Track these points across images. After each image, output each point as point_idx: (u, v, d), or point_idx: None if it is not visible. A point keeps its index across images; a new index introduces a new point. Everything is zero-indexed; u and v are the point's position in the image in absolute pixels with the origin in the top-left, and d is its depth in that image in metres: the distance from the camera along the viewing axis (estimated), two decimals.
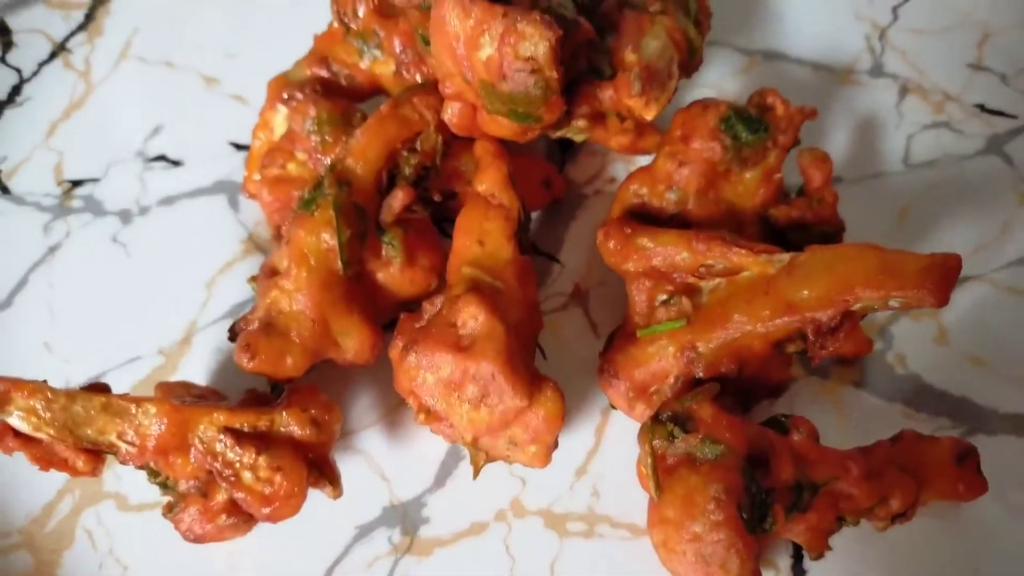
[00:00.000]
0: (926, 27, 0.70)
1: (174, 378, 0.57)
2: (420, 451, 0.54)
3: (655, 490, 0.47)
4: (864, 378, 0.57)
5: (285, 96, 0.59)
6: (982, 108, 0.67)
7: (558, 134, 0.56)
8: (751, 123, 0.55)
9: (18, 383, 0.44)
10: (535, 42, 0.46)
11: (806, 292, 0.48)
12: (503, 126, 0.53)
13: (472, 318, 0.48)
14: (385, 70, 0.59)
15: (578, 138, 0.57)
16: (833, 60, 0.68)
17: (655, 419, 0.48)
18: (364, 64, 0.59)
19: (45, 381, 0.46)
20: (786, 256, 0.50)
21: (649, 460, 0.48)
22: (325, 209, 0.51)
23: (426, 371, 0.48)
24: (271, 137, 0.60)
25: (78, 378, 0.57)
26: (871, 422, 0.56)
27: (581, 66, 0.53)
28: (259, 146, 0.60)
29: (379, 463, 0.55)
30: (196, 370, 0.57)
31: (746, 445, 0.47)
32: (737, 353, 0.51)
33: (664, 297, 0.53)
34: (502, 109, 0.50)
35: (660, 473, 0.47)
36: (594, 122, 0.56)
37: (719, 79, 0.68)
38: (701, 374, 0.51)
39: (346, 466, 0.54)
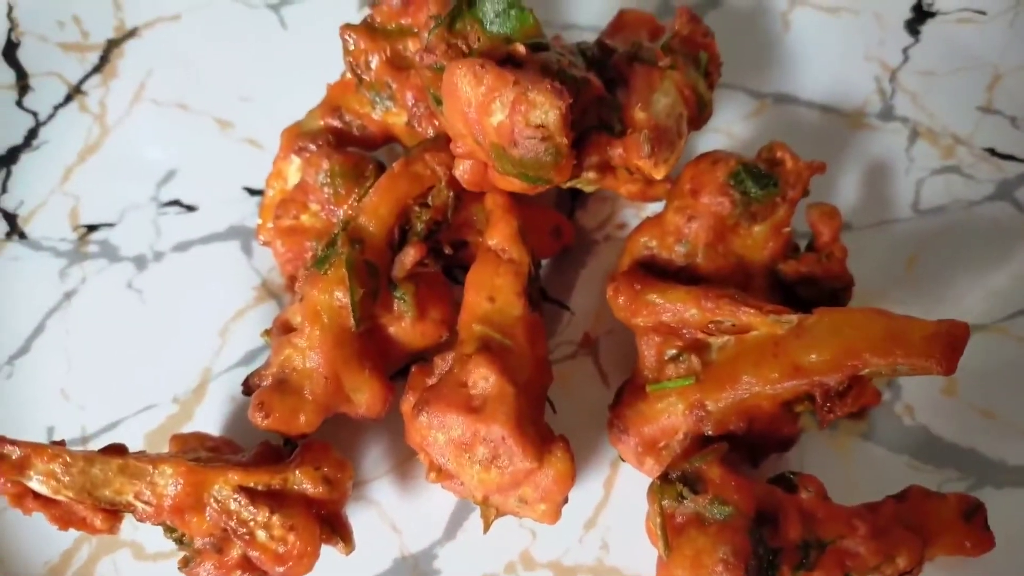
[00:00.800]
0: (936, 69, 0.70)
1: (189, 426, 0.58)
2: (431, 502, 0.55)
3: (664, 549, 0.48)
4: (872, 429, 0.58)
5: (298, 147, 0.59)
6: (992, 152, 0.67)
7: (568, 184, 0.57)
8: (760, 178, 0.56)
9: (38, 448, 0.45)
10: (545, 110, 0.47)
11: (814, 356, 0.48)
12: (513, 183, 0.53)
13: (483, 379, 0.49)
14: (397, 121, 0.60)
15: (588, 188, 0.57)
16: (843, 103, 0.69)
17: (664, 478, 0.49)
18: (376, 115, 0.60)
19: (63, 442, 0.47)
20: (794, 317, 0.50)
21: (659, 519, 0.48)
22: (338, 268, 0.52)
23: (437, 431, 0.49)
24: (284, 186, 0.60)
25: (94, 426, 0.58)
26: (878, 474, 0.57)
27: (591, 121, 0.54)
28: (273, 195, 0.60)
29: (390, 514, 0.56)
30: (210, 418, 0.58)
31: (754, 505, 0.48)
32: (746, 412, 0.51)
33: (673, 352, 0.53)
34: (513, 171, 0.50)
35: (669, 532, 0.48)
36: (604, 172, 0.56)
37: (729, 123, 0.68)
38: (710, 431, 0.51)
39: (358, 517, 0.55)
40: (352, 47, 0.59)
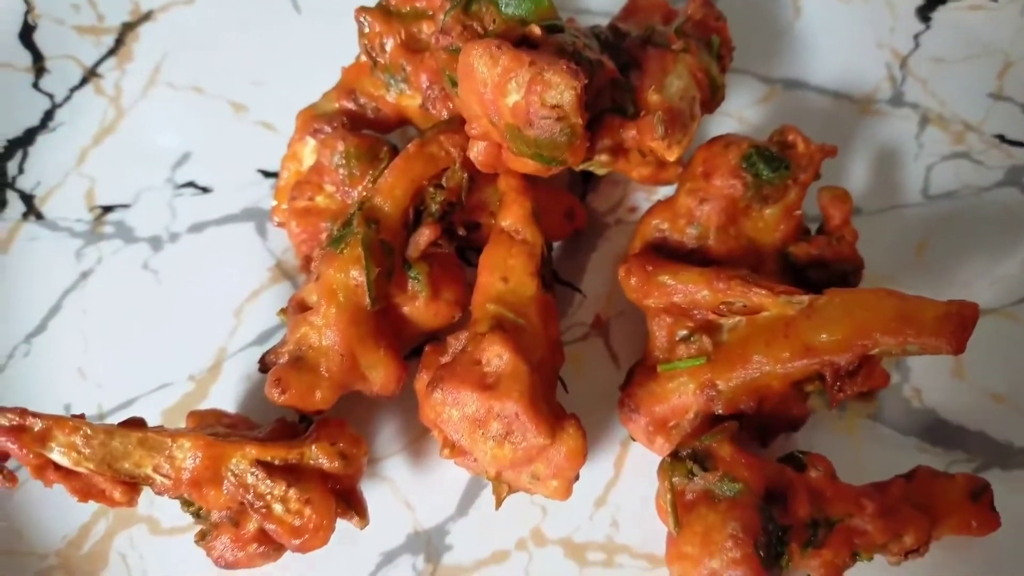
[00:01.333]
0: (947, 56, 0.70)
1: (204, 404, 0.58)
2: (444, 479, 0.56)
3: (674, 526, 0.48)
4: (880, 411, 0.58)
5: (314, 129, 0.60)
6: (1002, 139, 0.67)
7: (581, 167, 0.57)
8: (772, 161, 0.56)
9: (59, 420, 0.46)
10: (561, 91, 0.47)
11: (825, 336, 0.49)
12: (527, 164, 0.54)
13: (497, 356, 0.49)
14: (411, 103, 0.60)
15: (600, 171, 0.58)
16: (854, 89, 0.69)
17: (675, 456, 0.50)
18: (391, 97, 0.60)
19: (83, 416, 0.48)
20: (805, 298, 0.50)
21: (669, 496, 0.49)
22: (354, 248, 0.52)
23: (451, 408, 0.49)
24: (300, 168, 0.61)
25: (110, 403, 0.59)
26: (887, 455, 0.57)
27: (604, 103, 0.54)
28: (288, 177, 0.61)
29: (404, 491, 0.56)
30: (226, 397, 0.59)
31: (764, 483, 0.48)
32: (756, 391, 0.52)
33: (684, 333, 0.54)
34: (527, 152, 0.51)
35: (679, 509, 0.49)
36: (616, 155, 0.56)
37: (740, 108, 0.68)
38: (721, 411, 0.52)
39: (372, 493, 0.55)
40: (367, 29, 0.59)
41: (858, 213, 0.64)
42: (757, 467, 0.49)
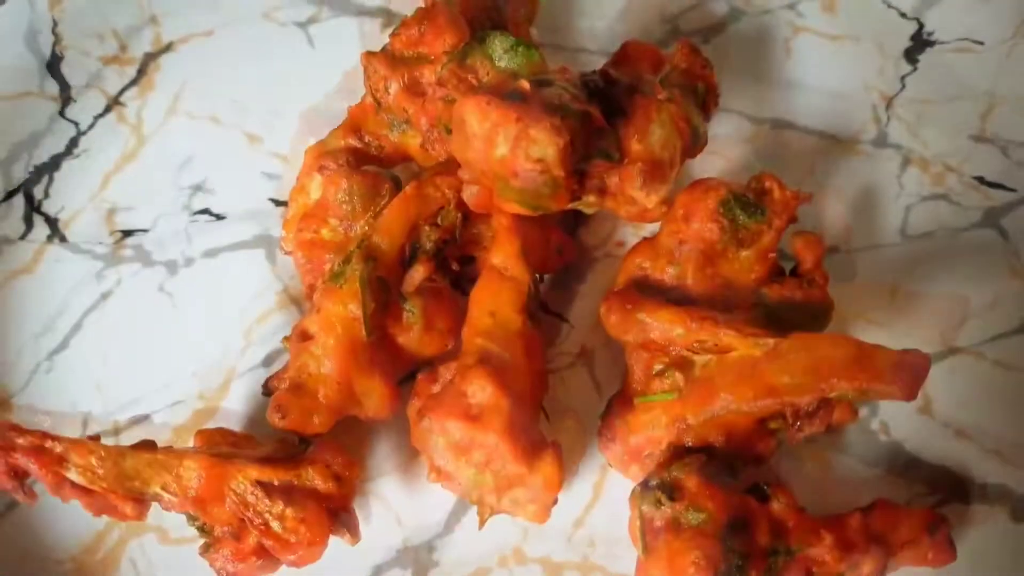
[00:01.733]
0: (932, 97, 0.73)
1: (213, 420, 0.63)
2: (432, 499, 0.60)
3: (642, 551, 0.52)
4: (847, 443, 0.61)
5: (321, 165, 0.64)
6: (981, 180, 0.70)
7: (570, 207, 0.61)
8: (748, 207, 0.59)
9: (76, 444, 0.50)
10: (544, 147, 0.51)
11: (786, 378, 0.52)
12: (516, 207, 0.57)
13: (481, 389, 0.53)
14: (413, 143, 0.64)
15: (588, 211, 0.61)
16: (840, 129, 0.72)
17: (644, 486, 0.53)
18: (394, 136, 0.64)
19: (99, 437, 0.52)
20: (771, 341, 0.54)
21: (638, 523, 0.53)
22: (352, 283, 0.56)
23: (438, 435, 0.53)
24: (307, 201, 0.65)
25: (125, 418, 0.63)
26: (852, 486, 0.60)
27: (592, 149, 0.57)
28: (296, 209, 0.65)
29: (395, 508, 0.60)
30: (233, 414, 0.63)
31: (727, 513, 0.52)
32: (724, 427, 0.55)
33: (660, 368, 0.57)
34: (514, 198, 0.54)
35: (648, 535, 0.52)
36: (603, 195, 0.60)
37: (726, 146, 0.71)
38: (690, 443, 0.56)
39: (365, 509, 0.59)
40: (373, 73, 0.63)
41: (836, 252, 0.67)
42: (721, 498, 0.52)
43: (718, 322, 0.55)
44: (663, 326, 0.56)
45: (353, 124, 0.65)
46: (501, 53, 0.58)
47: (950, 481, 0.60)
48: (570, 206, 0.60)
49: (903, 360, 0.51)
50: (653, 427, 0.56)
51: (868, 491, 0.60)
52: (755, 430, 0.55)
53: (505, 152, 0.52)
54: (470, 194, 0.58)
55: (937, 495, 0.60)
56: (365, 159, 0.65)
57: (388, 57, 0.63)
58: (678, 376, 0.56)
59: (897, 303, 0.66)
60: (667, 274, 0.59)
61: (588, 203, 0.60)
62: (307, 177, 0.65)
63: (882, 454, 0.61)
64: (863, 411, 0.62)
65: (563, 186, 0.53)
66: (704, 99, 0.63)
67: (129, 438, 0.62)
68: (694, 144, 0.61)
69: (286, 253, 0.66)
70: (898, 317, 0.65)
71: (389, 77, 0.63)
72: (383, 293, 0.57)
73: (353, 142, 0.65)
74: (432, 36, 0.62)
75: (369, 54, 0.63)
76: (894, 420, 0.62)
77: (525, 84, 0.54)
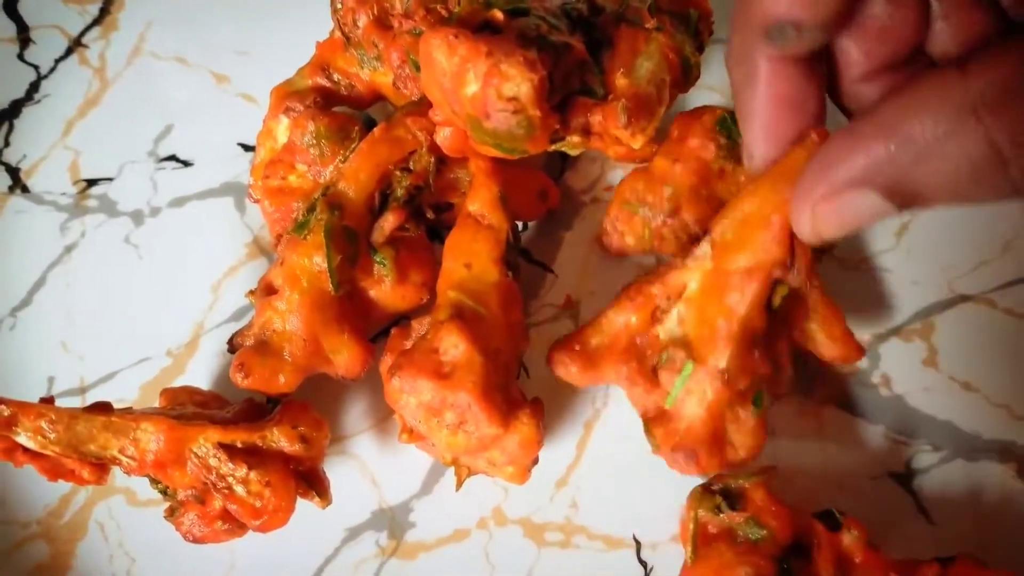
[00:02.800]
0: None
1: (181, 379, 0.60)
2: (409, 458, 0.57)
3: (690, 555, 0.50)
4: (847, 398, 0.58)
5: (287, 107, 0.60)
6: None
7: (553, 148, 0.57)
8: None
9: (24, 406, 0.48)
10: (518, 83, 0.47)
11: (742, 258, 0.48)
12: (492, 151, 0.53)
13: (453, 346, 0.50)
14: (385, 80, 0.60)
15: (573, 152, 0.57)
16: None
17: (705, 489, 0.51)
18: (364, 74, 0.60)
19: (52, 399, 0.50)
20: (707, 245, 0.49)
21: (692, 526, 0.50)
22: (316, 234, 0.53)
23: (409, 395, 0.50)
24: (275, 145, 0.61)
25: (92, 376, 0.60)
26: (852, 443, 0.57)
27: (574, 85, 0.53)
28: (263, 154, 0.61)
29: (370, 468, 0.58)
30: (202, 372, 0.60)
31: (790, 535, 0.49)
32: (750, 341, 0.50)
33: (656, 362, 0.53)
34: (488, 142, 0.50)
35: (700, 540, 0.50)
36: (588, 135, 0.56)
37: (724, 80, 0.67)
38: (742, 387, 0.51)
39: (339, 469, 0.57)
40: (340, 5, 0.59)
41: None
42: (786, 517, 0.49)
43: (649, 276, 0.51)
44: (616, 329, 0.52)
45: (321, 61, 0.61)
46: None
47: (955, 437, 0.57)
48: (552, 148, 0.56)
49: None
50: (693, 405, 0.51)
51: (869, 449, 0.57)
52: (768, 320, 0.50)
53: (476, 90, 0.48)
54: (444, 137, 0.54)
55: (941, 451, 0.57)
56: (335, 99, 0.61)
57: None
58: (674, 352, 0.52)
59: (903, 246, 0.62)
60: (661, 195, 0.56)
61: (572, 144, 0.56)
62: (273, 120, 0.61)
63: (884, 409, 0.58)
64: (864, 363, 0.59)
65: (540, 127, 0.49)
66: (697, 27, 0.59)
67: (95, 396, 0.60)
68: (685, 78, 0.57)
69: (254, 201, 0.62)
70: (904, 262, 0.61)
71: (357, 9, 0.58)
72: (351, 244, 0.54)
73: (321, 81, 0.61)
74: None
75: None
76: (897, 373, 0.59)
77: (498, 14, 0.50)
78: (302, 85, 0.61)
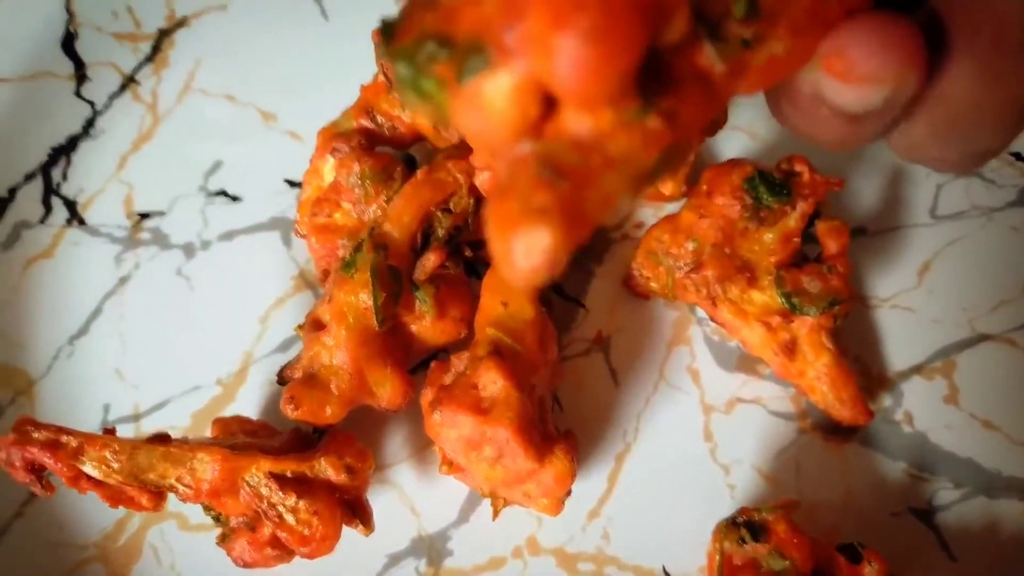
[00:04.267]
0: None
1: (231, 407, 0.63)
2: (447, 487, 0.60)
3: None
4: (870, 435, 0.60)
5: (333, 147, 0.63)
6: (1017, 156, 0.67)
7: None
8: (774, 186, 0.58)
9: (91, 438, 0.51)
10: None
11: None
12: None
13: (492, 382, 0.52)
14: (425, 122, 0.63)
15: None
16: None
17: (730, 522, 0.53)
18: (406, 116, 0.63)
19: (114, 429, 0.53)
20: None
21: (717, 558, 0.53)
22: (363, 272, 0.55)
23: (449, 428, 0.53)
24: (321, 183, 0.64)
25: (145, 403, 0.63)
26: (874, 479, 0.59)
27: None
28: (310, 192, 0.64)
29: (410, 497, 0.60)
30: (250, 400, 0.63)
31: (812, 566, 0.51)
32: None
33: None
34: None
35: (725, 571, 0.52)
36: None
37: (752, 122, 0.69)
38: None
39: (380, 498, 0.59)
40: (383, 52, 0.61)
41: (863, 233, 0.65)
42: (808, 548, 0.51)
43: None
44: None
45: (365, 104, 0.64)
46: None
47: (976, 474, 0.59)
48: None
49: None
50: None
51: (891, 485, 0.59)
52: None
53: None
54: (483, 180, 0.57)
55: (963, 488, 0.59)
56: (378, 140, 0.64)
57: None
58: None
59: (925, 287, 0.64)
60: (684, 249, 0.58)
61: None
62: (320, 159, 0.64)
63: (905, 446, 0.60)
64: (887, 401, 0.61)
65: None
66: None
67: (149, 423, 0.63)
68: (711, 124, 0.59)
69: (300, 236, 0.65)
70: (926, 301, 0.63)
71: None
72: (395, 282, 0.57)
73: (366, 123, 0.63)
74: None
75: (378, 31, 0.61)
76: (919, 411, 0.61)
77: None
78: (347, 126, 0.64)
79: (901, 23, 0.27)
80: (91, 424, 0.63)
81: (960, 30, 0.28)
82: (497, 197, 0.25)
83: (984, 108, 0.29)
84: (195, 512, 0.60)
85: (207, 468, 0.52)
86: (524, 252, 0.23)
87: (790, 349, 0.58)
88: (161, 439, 0.53)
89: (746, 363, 0.62)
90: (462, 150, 0.59)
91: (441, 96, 0.25)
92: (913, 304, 0.63)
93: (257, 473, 0.53)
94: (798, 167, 0.58)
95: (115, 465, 0.51)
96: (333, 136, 0.64)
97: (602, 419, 0.61)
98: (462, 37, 0.24)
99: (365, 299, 0.56)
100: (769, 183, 0.58)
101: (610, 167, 0.25)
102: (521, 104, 0.24)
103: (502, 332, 0.55)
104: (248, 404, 0.63)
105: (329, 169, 0.64)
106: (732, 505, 0.59)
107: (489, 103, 0.24)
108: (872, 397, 0.61)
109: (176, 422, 0.63)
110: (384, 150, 0.63)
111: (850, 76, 0.27)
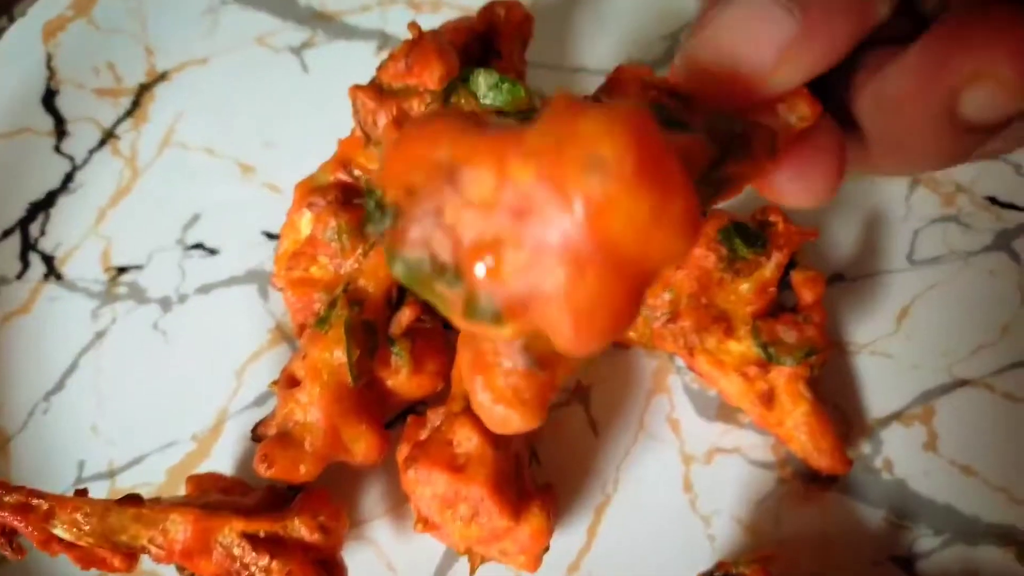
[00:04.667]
0: None
1: (206, 463, 0.62)
2: (424, 544, 0.59)
3: None
4: (850, 483, 0.60)
5: (310, 202, 0.63)
6: (992, 200, 0.67)
7: None
8: (749, 237, 0.58)
9: (60, 500, 0.50)
10: None
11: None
12: None
13: (467, 439, 0.52)
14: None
15: None
16: None
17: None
18: None
19: (86, 491, 0.52)
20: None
21: None
22: (337, 329, 0.55)
23: (424, 486, 0.52)
24: (298, 237, 0.64)
25: (120, 460, 0.63)
26: (853, 528, 0.59)
27: None
28: (287, 245, 0.64)
29: (387, 554, 0.60)
30: (225, 456, 0.63)
31: None
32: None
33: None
34: None
35: None
36: None
37: None
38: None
39: (357, 555, 0.59)
40: (360, 107, 0.62)
41: (841, 280, 0.65)
42: None
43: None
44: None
45: (343, 158, 0.64)
46: (485, 90, 0.56)
47: (956, 521, 0.59)
48: None
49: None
50: None
51: (871, 533, 0.58)
52: None
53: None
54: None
55: (942, 535, 0.58)
56: (355, 193, 0.64)
57: (376, 90, 0.62)
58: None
59: (903, 332, 0.64)
60: (661, 299, 0.58)
61: None
62: (296, 213, 0.64)
63: (885, 494, 0.59)
64: (866, 448, 0.60)
65: None
66: None
67: (124, 480, 0.63)
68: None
69: (277, 289, 0.65)
70: (904, 347, 0.63)
71: (377, 110, 0.61)
72: (370, 337, 0.56)
73: (343, 176, 0.64)
74: (420, 68, 0.61)
75: (357, 87, 0.62)
76: (898, 457, 0.60)
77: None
78: (324, 180, 0.64)
79: None
80: (66, 480, 0.63)
81: None
82: (479, 365, 0.28)
83: None
84: (170, 571, 0.59)
85: (179, 529, 0.52)
86: (499, 421, 0.28)
87: (768, 399, 0.58)
88: (133, 500, 0.53)
89: (726, 412, 0.62)
90: None
91: (439, 303, 0.26)
92: (891, 350, 0.63)
93: (230, 534, 0.52)
94: (772, 218, 0.59)
95: (86, 527, 0.51)
96: (310, 190, 0.64)
97: (582, 471, 0.60)
98: (471, 289, 0.25)
99: (339, 355, 0.55)
100: (744, 234, 0.58)
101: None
102: (521, 334, 0.25)
103: None
104: (223, 460, 0.62)
105: (306, 223, 0.64)
106: (712, 557, 0.58)
107: (494, 334, 0.25)
108: (851, 445, 0.60)
109: (151, 478, 0.62)
110: (360, 204, 0.63)
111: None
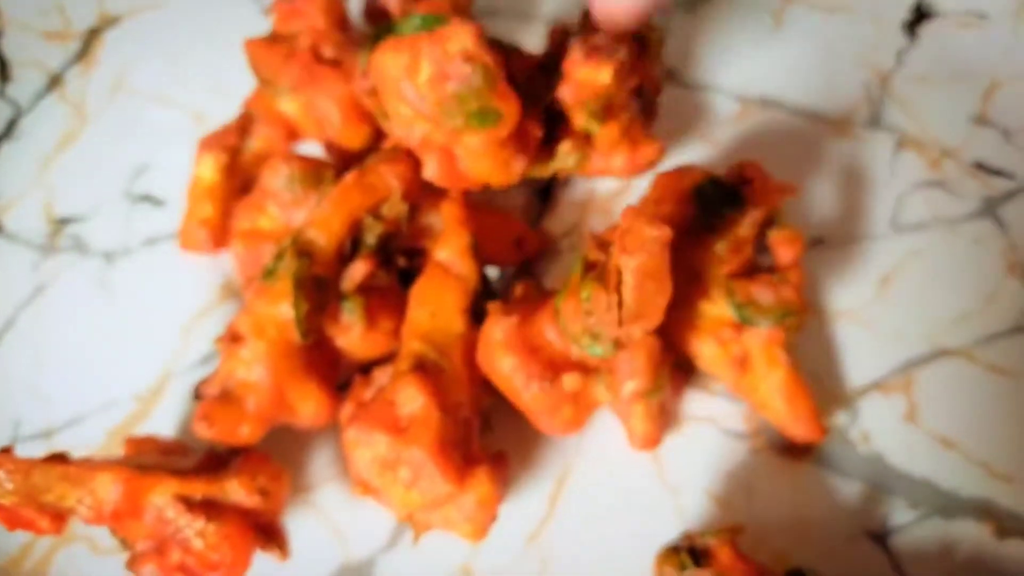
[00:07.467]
0: (931, 75, 0.68)
1: (148, 424, 0.59)
2: (375, 510, 0.55)
3: None
4: (825, 455, 0.57)
5: (205, 142, 0.62)
6: (980, 166, 0.64)
7: (552, 168, 0.57)
8: (725, 194, 0.55)
9: None
10: (459, 37, 0.48)
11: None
12: (483, 166, 0.53)
13: (411, 400, 0.49)
14: (292, 108, 0.61)
15: (569, 162, 0.57)
16: (830, 110, 0.67)
17: (672, 547, 0.50)
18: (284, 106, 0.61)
19: (9, 449, 0.49)
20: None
21: None
22: (285, 281, 0.52)
23: (364, 448, 0.49)
24: (203, 186, 0.61)
25: (59, 420, 0.60)
26: (828, 500, 0.56)
27: (540, 91, 0.54)
28: (192, 205, 0.62)
29: (335, 520, 0.56)
30: (168, 418, 0.59)
31: None
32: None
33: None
34: (461, 121, 0.50)
35: None
36: (582, 145, 0.56)
37: (712, 127, 0.66)
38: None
39: (302, 522, 0.56)
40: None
41: (821, 243, 0.62)
42: (753, 574, 0.48)
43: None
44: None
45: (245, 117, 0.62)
46: (412, 32, 0.53)
47: (933, 495, 0.56)
48: (552, 167, 0.56)
49: None
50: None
51: (846, 506, 0.56)
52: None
53: (429, 70, 0.49)
54: (432, 169, 0.53)
55: (918, 510, 0.55)
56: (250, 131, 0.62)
57: (269, 40, 0.60)
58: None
59: (883, 300, 0.61)
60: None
61: (567, 153, 0.56)
62: (198, 167, 0.61)
63: (861, 465, 0.57)
64: (842, 419, 0.58)
65: (497, 74, 0.49)
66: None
67: (61, 440, 0.59)
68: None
69: (185, 250, 0.62)
70: (884, 315, 0.60)
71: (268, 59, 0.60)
72: (319, 293, 0.53)
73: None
74: (304, 2, 0.60)
75: (248, 41, 0.60)
76: (876, 428, 0.57)
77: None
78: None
79: None
80: (1, 441, 0.59)
81: None
82: None
83: None
84: (106, 535, 0.56)
85: (109, 489, 0.49)
86: None
87: (742, 363, 0.55)
88: (59, 458, 0.49)
89: (698, 379, 0.59)
90: (395, 154, 0.56)
91: None
92: (872, 317, 0.60)
93: (163, 495, 0.49)
94: (750, 174, 0.56)
95: (9, 486, 0.48)
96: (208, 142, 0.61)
97: (541, 439, 0.57)
98: None
99: (286, 310, 0.52)
100: (720, 191, 0.55)
101: None
102: None
103: (428, 346, 0.52)
104: (166, 421, 0.59)
105: (207, 167, 0.61)
106: (680, 529, 0.55)
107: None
108: (828, 414, 0.57)
109: (90, 440, 0.59)
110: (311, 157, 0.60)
111: None
